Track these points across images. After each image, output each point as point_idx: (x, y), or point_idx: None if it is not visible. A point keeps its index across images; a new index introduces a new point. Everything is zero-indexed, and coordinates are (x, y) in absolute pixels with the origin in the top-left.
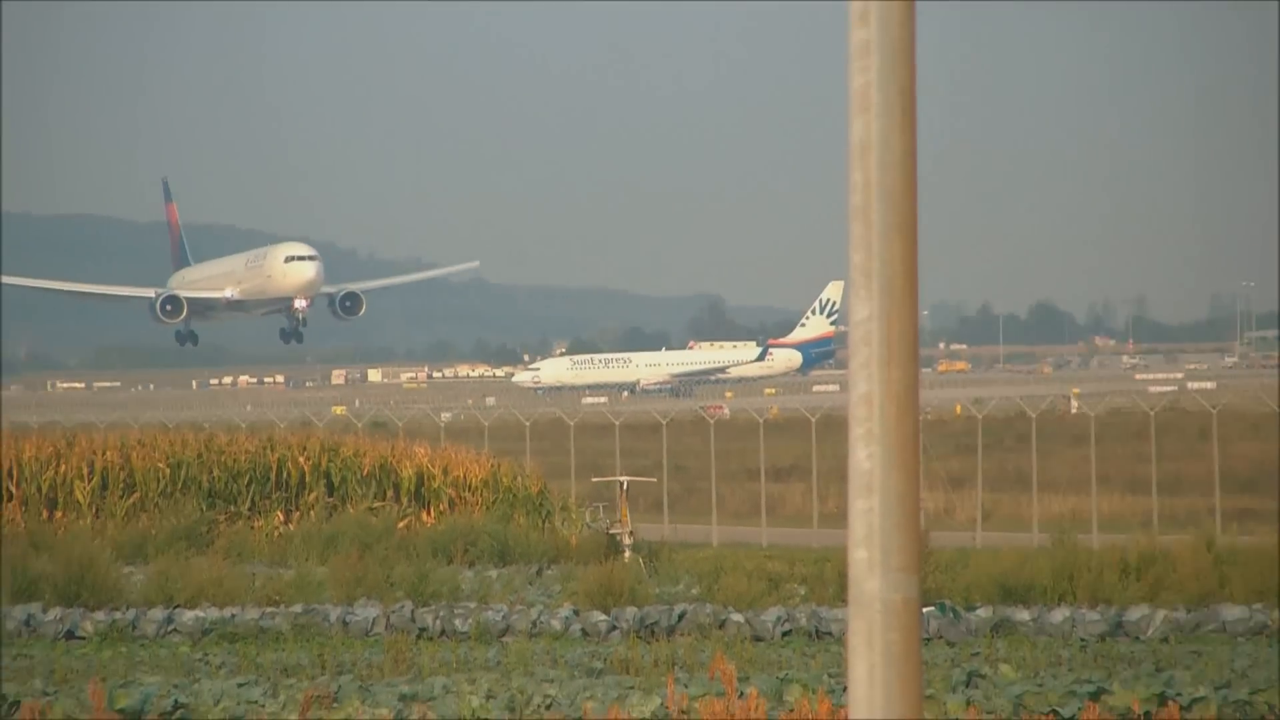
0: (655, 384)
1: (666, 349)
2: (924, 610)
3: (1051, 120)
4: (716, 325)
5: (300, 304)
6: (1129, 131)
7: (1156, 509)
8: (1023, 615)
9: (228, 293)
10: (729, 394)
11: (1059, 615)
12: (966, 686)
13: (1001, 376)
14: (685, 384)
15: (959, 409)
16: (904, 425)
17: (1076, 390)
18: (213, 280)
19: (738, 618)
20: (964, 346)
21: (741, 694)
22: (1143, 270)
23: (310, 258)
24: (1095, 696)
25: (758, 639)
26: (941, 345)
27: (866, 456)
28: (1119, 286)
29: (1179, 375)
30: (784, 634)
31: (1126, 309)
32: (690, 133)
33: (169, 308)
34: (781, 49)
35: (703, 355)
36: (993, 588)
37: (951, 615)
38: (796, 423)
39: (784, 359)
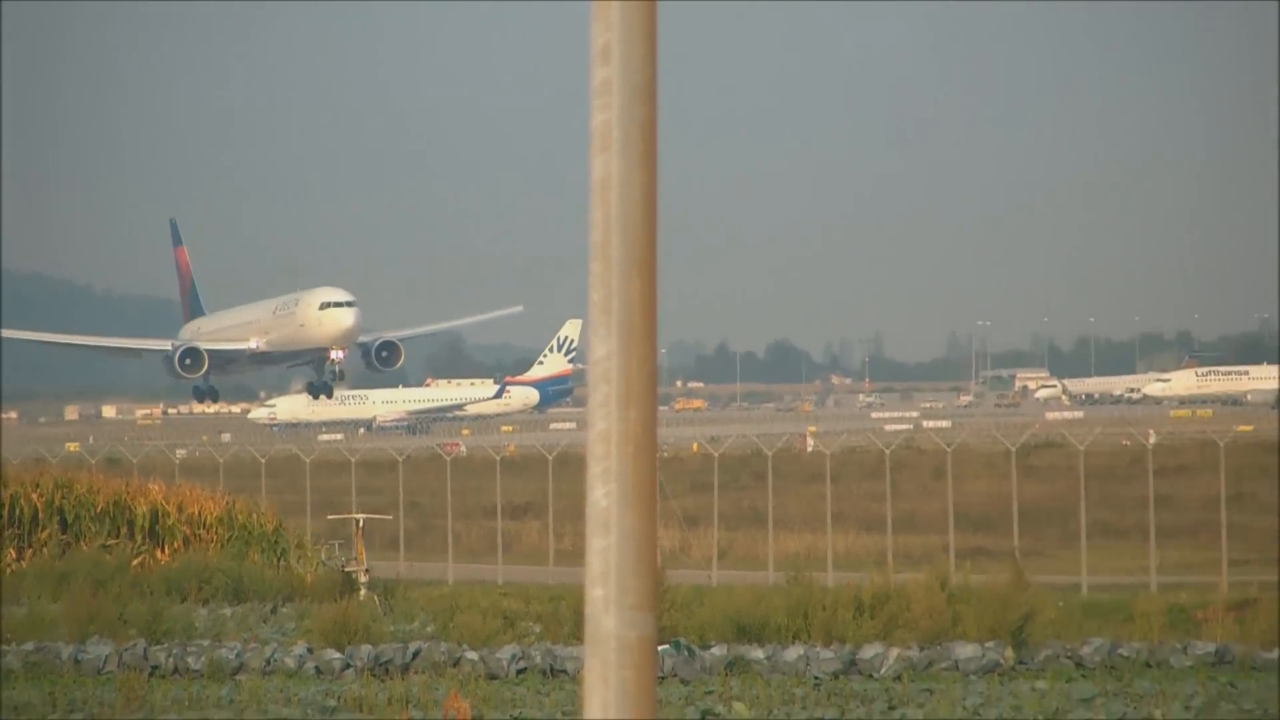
0: (392, 421)
1: (404, 386)
2: (659, 648)
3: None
4: (455, 362)
5: (336, 355)
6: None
7: (891, 547)
8: (757, 653)
9: (252, 344)
10: (466, 431)
11: (793, 653)
12: None
13: (738, 415)
14: (422, 421)
15: (696, 447)
16: (641, 463)
17: (813, 429)
18: (233, 331)
19: (472, 655)
20: (701, 384)
21: None
22: (879, 309)
23: (348, 304)
24: None
25: (492, 677)
26: (679, 383)
27: (604, 494)
28: (855, 325)
29: (914, 414)
30: (519, 671)
31: (863, 348)
32: (432, 167)
33: (188, 361)
34: (518, 72)
35: (440, 392)
36: (728, 626)
37: (686, 653)
38: (533, 460)
39: (521, 396)
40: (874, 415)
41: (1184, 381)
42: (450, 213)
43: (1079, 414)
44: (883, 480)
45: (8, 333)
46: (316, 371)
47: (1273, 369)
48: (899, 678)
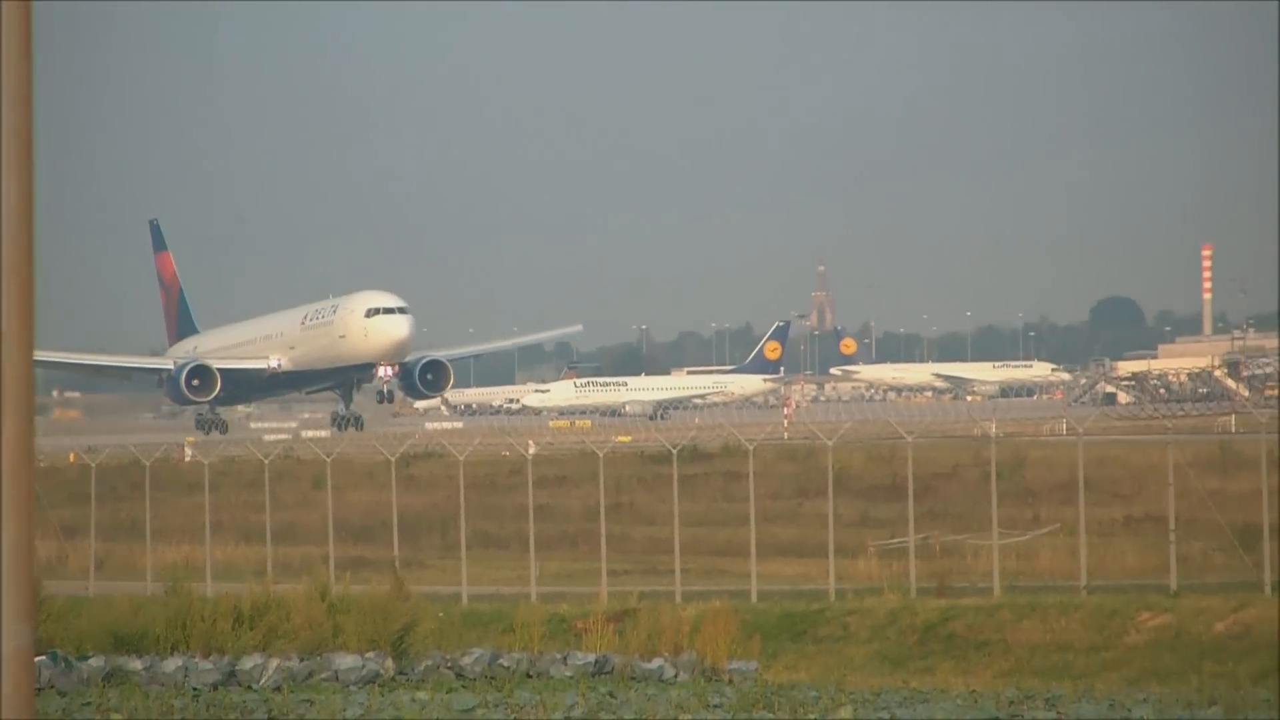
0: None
1: None
2: (36, 659)
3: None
4: None
5: (385, 372)
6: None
7: (271, 557)
8: (136, 664)
9: (273, 361)
10: None
11: (172, 664)
12: None
13: (120, 424)
14: None
15: (73, 457)
16: (18, 475)
17: (191, 439)
18: (246, 348)
19: None
20: (78, 394)
21: None
22: None
23: (399, 310)
24: None
25: None
26: (55, 393)
27: None
28: None
29: (294, 424)
30: None
31: None
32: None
33: (195, 382)
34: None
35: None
36: (105, 637)
37: (63, 664)
38: None
39: None
40: (253, 425)
41: (563, 392)
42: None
43: (459, 424)
44: (262, 490)
45: None
46: (344, 398)
47: (651, 379)
48: (279, 689)
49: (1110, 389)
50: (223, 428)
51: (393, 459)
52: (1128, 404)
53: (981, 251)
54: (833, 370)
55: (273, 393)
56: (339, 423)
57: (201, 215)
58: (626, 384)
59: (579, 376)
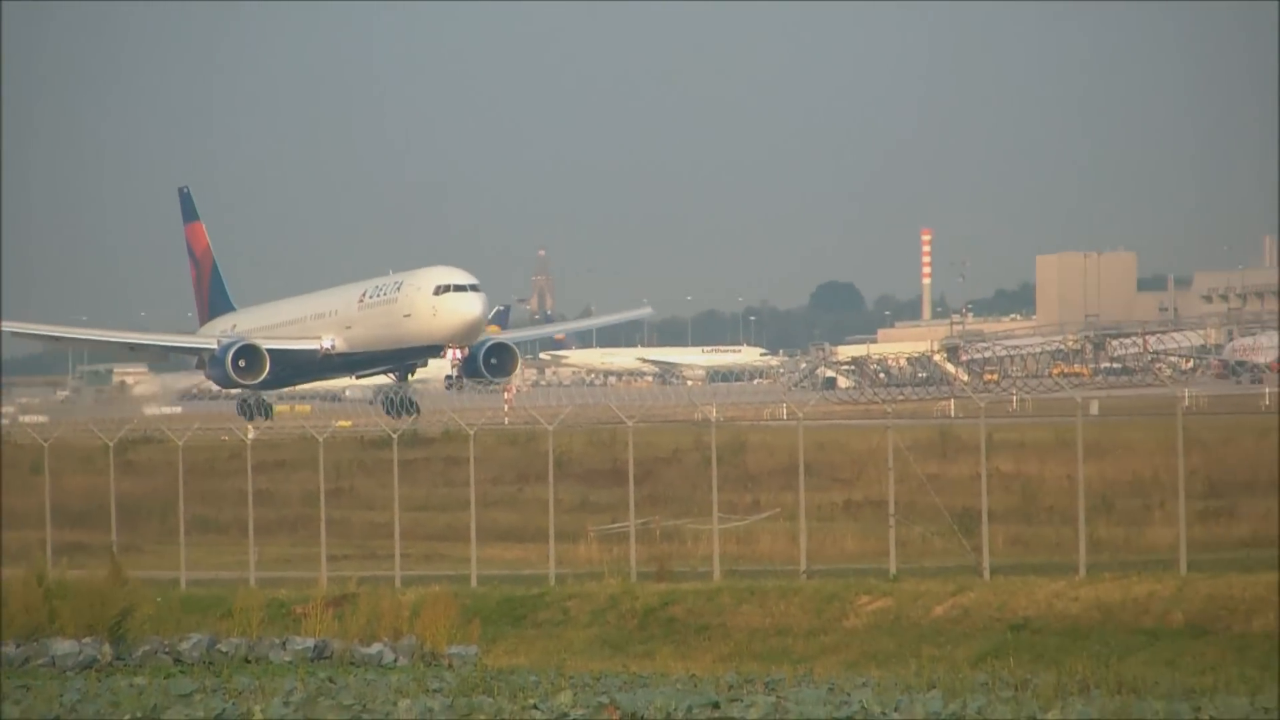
0: None
1: None
2: None
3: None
4: None
5: (455, 354)
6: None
7: None
8: None
9: (327, 341)
10: None
11: None
12: None
13: None
14: None
15: None
16: None
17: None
18: (292, 327)
19: None
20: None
21: None
22: None
23: (471, 288)
24: None
25: None
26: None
27: None
28: None
29: (11, 408)
30: None
31: None
32: None
33: (242, 363)
34: None
35: None
36: None
37: None
38: None
39: None
40: None
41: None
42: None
43: (178, 409)
44: None
45: (8, 325)
46: (399, 378)
47: None
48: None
49: (830, 373)
50: (267, 412)
51: (111, 444)
52: (848, 388)
53: (703, 236)
54: (542, 355)
55: (324, 375)
56: (391, 407)
57: (231, 185)
58: None
59: None
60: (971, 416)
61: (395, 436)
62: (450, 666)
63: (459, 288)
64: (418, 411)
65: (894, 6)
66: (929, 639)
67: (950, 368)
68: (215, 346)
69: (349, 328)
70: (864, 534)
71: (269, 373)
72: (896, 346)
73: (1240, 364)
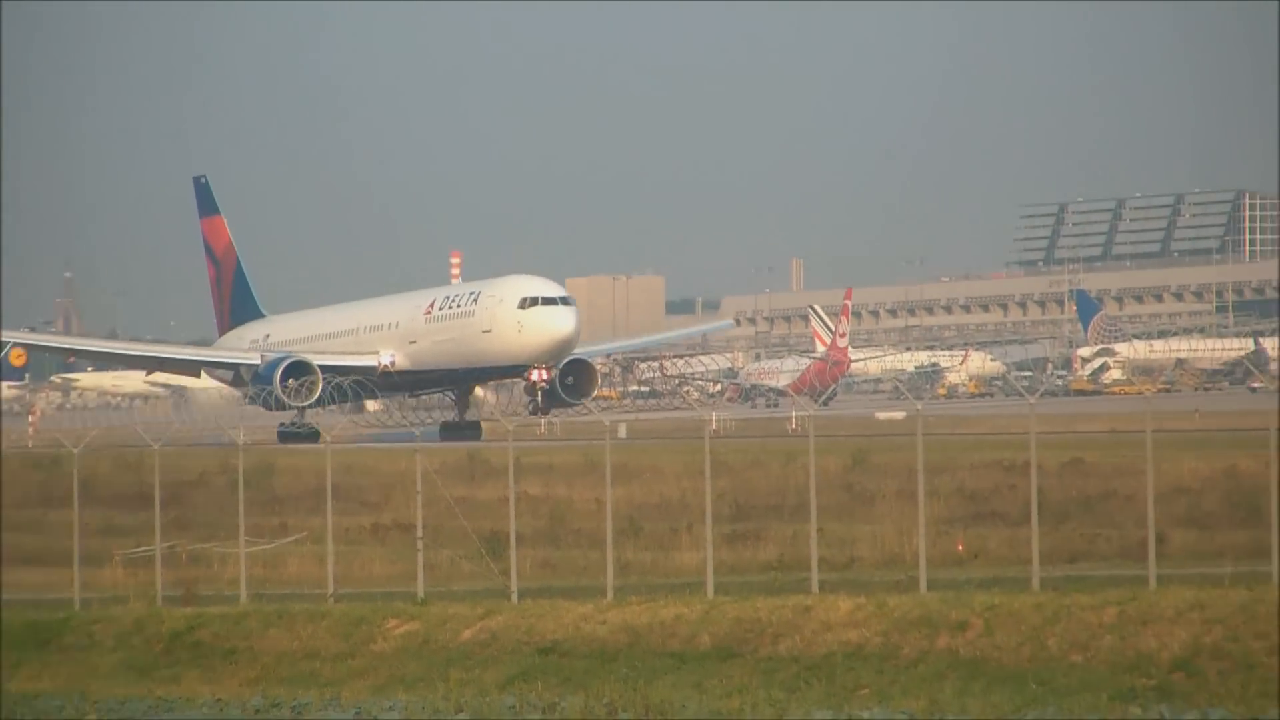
0: None
1: None
2: None
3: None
4: None
5: (541, 375)
6: None
7: None
8: None
9: (385, 357)
10: None
11: None
12: None
13: None
14: None
15: None
16: None
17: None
18: (339, 341)
19: None
20: None
21: None
22: None
23: (562, 301)
24: None
25: None
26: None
27: None
28: None
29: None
30: None
31: None
32: None
33: (292, 382)
34: None
35: None
36: None
37: None
38: None
39: None
40: None
41: None
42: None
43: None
44: None
45: (20, 336)
46: (457, 402)
47: None
48: None
49: None
50: (313, 436)
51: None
52: (376, 411)
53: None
54: (53, 378)
55: (379, 395)
56: (445, 431)
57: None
58: None
59: None
60: (499, 439)
61: None
62: None
63: (549, 300)
64: (479, 438)
65: None
66: (457, 662)
67: (480, 391)
68: (258, 361)
69: (413, 342)
70: (392, 557)
71: (322, 393)
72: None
73: (756, 387)
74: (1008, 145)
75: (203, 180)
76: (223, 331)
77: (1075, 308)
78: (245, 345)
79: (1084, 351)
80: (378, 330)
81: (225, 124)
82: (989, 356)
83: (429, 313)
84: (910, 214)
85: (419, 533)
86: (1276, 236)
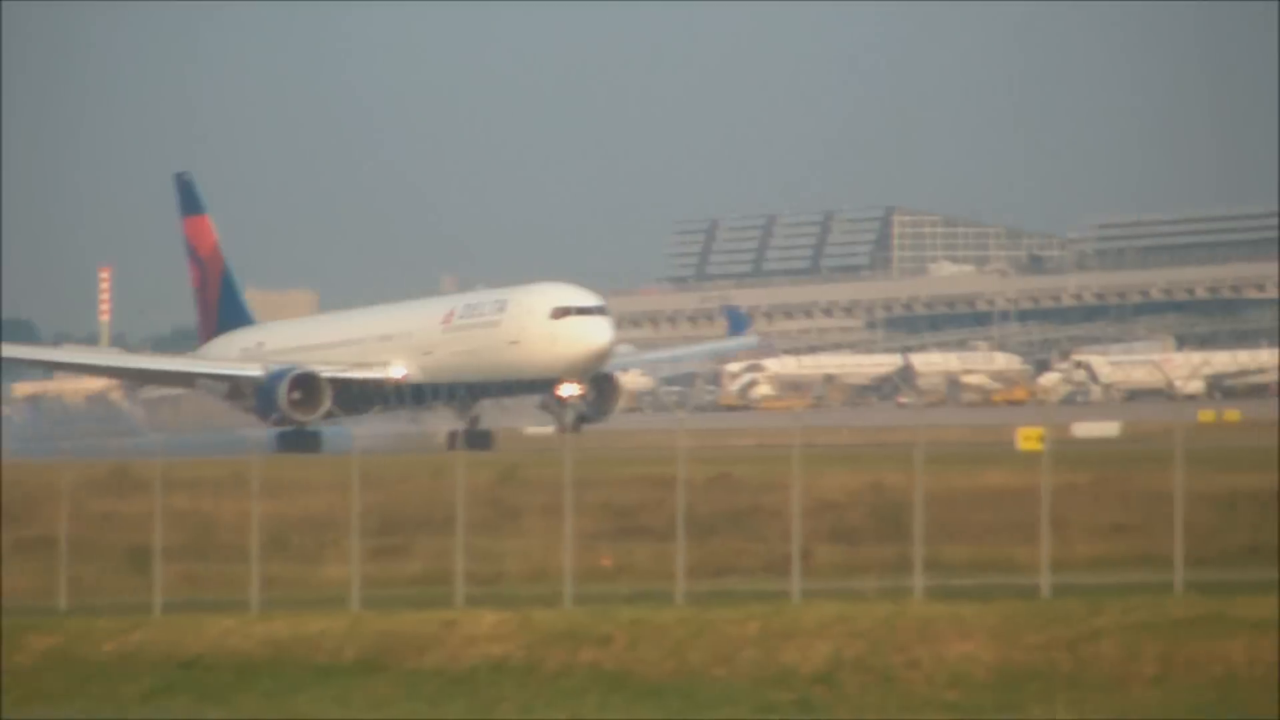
0: None
1: None
2: None
3: None
4: None
5: (572, 391)
6: None
7: None
8: None
9: (396, 370)
10: None
11: None
12: None
13: None
14: None
15: None
16: None
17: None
18: (344, 350)
19: None
20: None
21: None
22: None
23: (597, 310)
24: None
25: None
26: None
27: None
28: None
29: None
30: None
31: None
32: None
33: (298, 395)
34: None
35: None
36: None
37: None
38: None
39: None
40: None
41: None
42: None
43: None
44: None
45: (6, 349)
46: (466, 422)
47: None
48: None
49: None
50: (316, 444)
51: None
52: (22, 424)
53: None
54: None
55: (387, 408)
56: (453, 442)
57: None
58: None
59: None
60: (148, 454)
61: None
62: None
63: (583, 310)
64: (489, 447)
65: None
66: (99, 677)
67: (126, 405)
68: (259, 373)
69: (428, 353)
70: (36, 572)
71: (329, 407)
72: (75, 385)
73: None
74: (660, 160)
75: (186, 177)
76: (206, 339)
77: (727, 324)
78: (235, 354)
79: (733, 367)
80: (387, 340)
81: (210, 122)
82: (639, 371)
83: (447, 322)
84: (563, 228)
85: (63, 546)
86: (924, 254)
